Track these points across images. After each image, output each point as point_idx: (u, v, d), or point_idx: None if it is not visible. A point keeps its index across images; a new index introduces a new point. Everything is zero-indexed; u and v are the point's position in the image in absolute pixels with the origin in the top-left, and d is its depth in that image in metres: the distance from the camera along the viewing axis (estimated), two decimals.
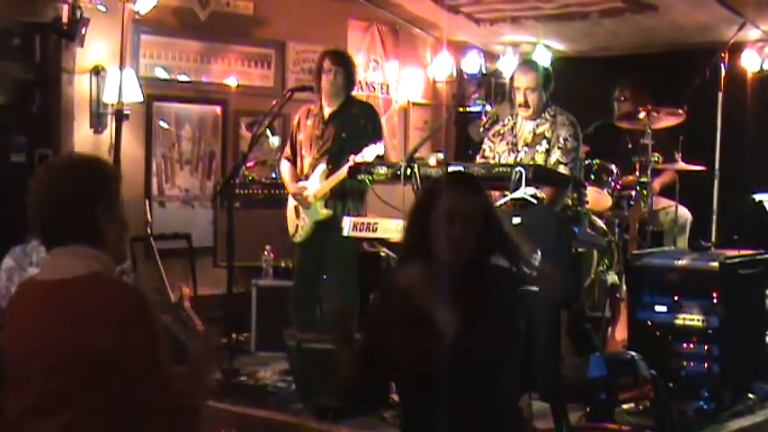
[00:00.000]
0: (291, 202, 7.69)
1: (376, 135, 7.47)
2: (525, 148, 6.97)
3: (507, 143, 7.09)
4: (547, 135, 6.97)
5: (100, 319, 3.04)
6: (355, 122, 7.57)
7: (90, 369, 3.02)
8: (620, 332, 7.14)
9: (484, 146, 7.31)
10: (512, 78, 7.35)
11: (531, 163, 6.72)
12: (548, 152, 6.86)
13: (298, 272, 7.71)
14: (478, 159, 7.26)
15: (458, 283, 3.65)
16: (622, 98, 9.15)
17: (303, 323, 7.36)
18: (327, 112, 7.60)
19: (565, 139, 6.90)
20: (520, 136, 7.06)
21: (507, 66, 10.73)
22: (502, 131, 7.21)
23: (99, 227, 3.20)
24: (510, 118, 7.23)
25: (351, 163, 7.02)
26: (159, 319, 3.22)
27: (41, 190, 3.22)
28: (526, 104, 7.01)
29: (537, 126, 7.00)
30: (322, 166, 7.50)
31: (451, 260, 3.64)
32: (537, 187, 6.42)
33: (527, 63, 7.36)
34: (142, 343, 3.07)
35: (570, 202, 6.83)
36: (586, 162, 7.63)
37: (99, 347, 3.02)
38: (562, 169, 6.77)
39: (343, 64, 7.63)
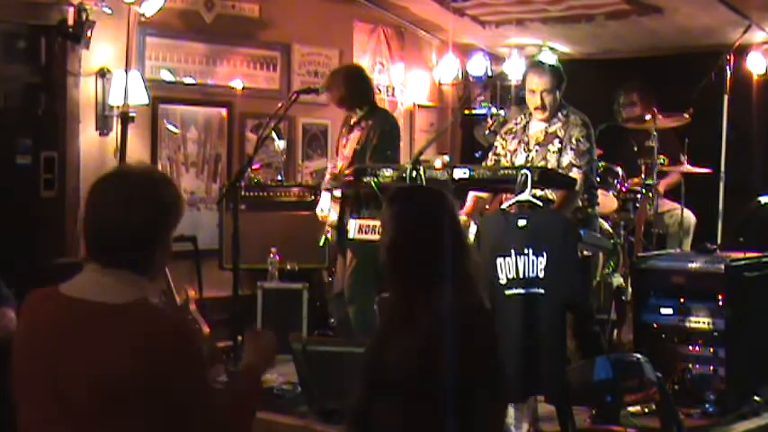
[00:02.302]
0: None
1: (381, 149, 7.57)
2: (537, 147, 6.91)
3: (519, 141, 7.04)
4: (559, 134, 6.88)
5: (151, 350, 2.88)
6: (367, 135, 7.68)
7: (135, 398, 2.88)
8: (626, 334, 7.14)
9: (496, 143, 7.23)
10: (524, 80, 7.28)
11: (539, 165, 6.71)
12: (560, 152, 6.79)
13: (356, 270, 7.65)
14: (490, 157, 7.23)
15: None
16: (630, 103, 9.16)
17: (360, 323, 7.39)
18: (352, 120, 7.76)
19: (578, 140, 6.81)
20: (532, 135, 7.00)
21: (513, 68, 10.73)
22: (514, 129, 7.12)
23: (155, 256, 3.06)
24: (522, 117, 7.13)
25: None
26: (202, 349, 3.09)
27: (113, 206, 3.01)
28: (543, 107, 6.88)
29: (549, 126, 6.94)
30: (327, 195, 7.78)
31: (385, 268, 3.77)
32: (544, 190, 6.45)
33: (539, 64, 7.21)
34: (190, 375, 2.97)
35: (581, 203, 6.82)
36: None
37: (148, 377, 2.87)
38: (575, 172, 6.68)
39: (333, 85, 7.80)
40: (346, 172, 7.18)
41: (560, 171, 6.66)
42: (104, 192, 3.07)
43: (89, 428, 2.92)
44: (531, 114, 7.03)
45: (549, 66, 7.10)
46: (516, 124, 7.15)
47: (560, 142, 6.84)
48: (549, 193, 6.63)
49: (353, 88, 7.79)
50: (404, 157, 10.47)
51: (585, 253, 6.52)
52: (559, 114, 6.93)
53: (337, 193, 7.75)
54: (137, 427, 2.91)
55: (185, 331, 3.02)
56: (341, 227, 7.54)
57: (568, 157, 6.77)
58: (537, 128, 6.99)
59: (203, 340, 7.32)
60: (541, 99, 6.88)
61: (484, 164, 7.25)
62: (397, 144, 7.92)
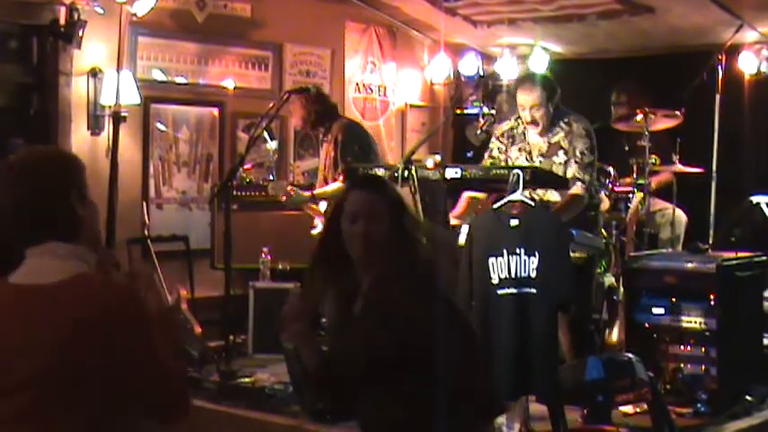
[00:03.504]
0: None
1: (342, 158, 7.88)
2: (540, 159, 6.88)
3: (520, 150, 6.99)
4: (563, 145, 6.83)
5: (95, 324, 2.93)
6: (333, 147, 8.01)
7: (86, 376, 2.92)
8: (618, 334, 7.15)
9: (491, 145, 7.18)
10: (514, 95, 7.19)
11: (528, 165, 6.71)
12: (566, 164, 6.77)
13: None
14: (486, 157, 7.21)
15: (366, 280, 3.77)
16: (619, 102, 9.17)
17: None
18: (321, 135, 8.22)
19: (582, 153, 6.78)
20: (534, 144, 6.95)
21: (505, 68, 10.74)
22: (513, 133, 7.07)
23: (76, 216, 3.10)
24: (519, 120, 7.07)
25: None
26: (150, 313, 3.10)
27: (12, 186, 3.11)
28: (534, 122, 6.87)
29: (552, 135, 6.89)
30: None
31: (359, 257, 3.75)
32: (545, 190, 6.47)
33: (528, 79, 7.15)
34: (141, 343, 2.99)
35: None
36: None
37: (96, 353, 2.91)
38: (579, 185, 6.68)
39: (299, 102, 7.95)
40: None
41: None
42: (4, 177, 3.17)
43: (39, 415, 2.94)
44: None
45: (539, 79, 7.03)
46: (513, 128, 7.09)
47: (565, 153, 6.80)
48: (550, 196, 6.65)
49: (309, 105, 7.96)
50: (395, 157, 10.52)
51: (589, 253, 6.54)
52: (561, 123, 6.88)
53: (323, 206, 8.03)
54: (91, 405, 2.95)
55: (130, 301, 3.04)
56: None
57: (572, 170, 6.74)
58: (539, 137, 6.95)
59: (195, 339, 7.32)
60: (531, 115, 6.86)
61: (486, 158, 7.24)
62: (357, 149, 7.93)
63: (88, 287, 3.03)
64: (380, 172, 6.54)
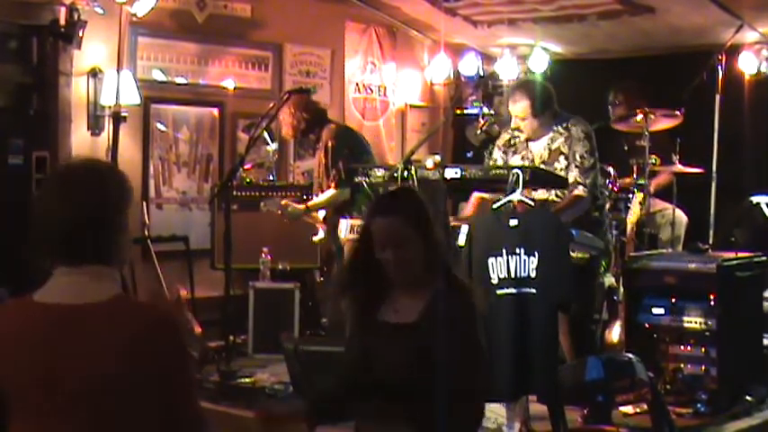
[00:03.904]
0: None
1: (333, 164, 7.87)
2: (542, 165, 6.86)
3: (523, 158, 6.97)
4: (563, 151, 6.80)
5: (134, 346, 2.84)
6: (323, 155, 8.00)
7: (124, 396, 2.85)
8: (618, 334, 7.15)
9: (495, 155, 7.16)
10: (502, 103, 7.19)
11: (528, 165, 6.71)
12: (566, 169, 6.75)
13: None
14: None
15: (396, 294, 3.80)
16: (617, 102, 9.17)
17: None
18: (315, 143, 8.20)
19: (582, 157, 6.75)
20: (536, 152, 6.93)
21: (505, 68, 10.74)
22: (514, 142, 7.05)
23: (116, 241, 3.00)
24: (519, 129, 7.05)
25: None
26: (187, 339, 3.05)
27: (59, 199, 2.94)
28: (519, 130, 6.93)
29: (551, 141, 6.86)
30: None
31: (398, 280, 3.77)
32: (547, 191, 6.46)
33: (519, 89, 7.01)
34: (177, 366, 2.93)
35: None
36: None
37: (134, 374, 2.84)
38: (581, 189, 6.66)
39: (287, 110, 7.91)
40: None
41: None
42: (48, 191, 3.03)
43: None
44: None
45: (529, 89, 6.94)
46: (516, 138, 7.06)
47: (566, 159, 6.78)
48: (552, 196, 6.64)
49: (297, 114, 7.98)
50: (395, 157, 10.53)
51: (592, 253, 6.54)
52: (559, 128, 6.85)
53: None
54: (128, 425, 2.88)
55: (170, 325, 2.96)
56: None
57: (573, 175, 6.71)
58: (540, 145, 6.92)
59: (195, 339, 7.32)
60: (517, 125, 6.87)
61: None
62: (347, 153, 7.90)
63: (130, 308, 2.97)
64: (380, 172, 6.55)
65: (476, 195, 6.99)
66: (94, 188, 2.98)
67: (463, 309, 3.71)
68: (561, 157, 6.80)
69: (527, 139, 6.96)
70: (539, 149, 6.91)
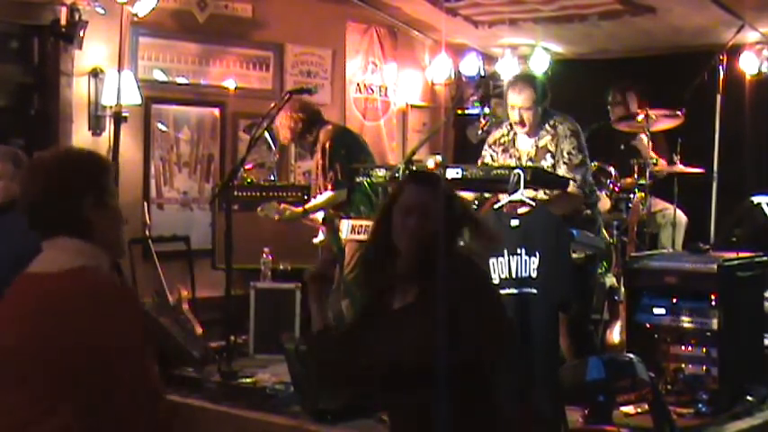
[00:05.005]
0: None
1: (330, 166, 7.85)
2: (530, 163, 6.85)
3: (511, 157, 6.97)
4: (550, 148, 6.78)
5: (83, 313, 2.98)
6: (320, 157, 7.98)
7: (76, 365, 2.94)
8: (619, 334, 7.14)
9: (484, 152, 7.12)
10: (505, 94, 7.15)
11: (530, 165, 6.70)
12: (554, 167, 6.73)
13: None
14: (479, 164, 7.19)
15: (416, 274, 3.80)
16: (615, 101, 9.16)
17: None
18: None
19: (569, 153, 6.73)
20: (523, 151, 6.92)
21: (506, 68, 10.74)
22: (504, 141, 7.03)
23: (88, 219, 3.15)
24: (510, 127, 7.02)
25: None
26: (143, 311, 3.19)
27: (29, 181, 3.22)
28: (522, 122, 6.83)
29: (538, 139, 6.84)
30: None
31: (408, 251, 3.78)
32: (536, 189, 6.44)
33: (522, 80, 7.03)
34: (127, 337, 3.01)
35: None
36: None
37: (83, 343, 2.95)
38: (572, 186, 6.64)
39: (285, 114, 7.88)
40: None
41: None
42: (25, 170, 3.41)
43: (26, 396, 2.98)
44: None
45: (531, 80, 6.96)
46: (504, 135, 7.05)
47: (552, 157, 6.75)
48: (541, 194, 6.64)
49: (294, 124, 7.99)
50: (396, 158, 10.53)
51: (588, 253, 6.53)
52: (546, 126, 6.83)
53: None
54: (86, 396, 2.96)
55: (119, 295, 3.10)
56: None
57: (561, 172, 6.69)
58: (527, 143, 6.90)
59: (197, 340, 7.32)
60: (520, 115, 6.82)
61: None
62: (344, 153, 7.86)
63: (83, 279, 3.08)
64: (381, 172, 6.55)
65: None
66: (46, 171, 3.21)
67: (471, 279, 3.78)
68: (548, 155, 6.78)
69: (515, 137, 6.95)
70: (526, 147, 6.90)
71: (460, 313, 3.58)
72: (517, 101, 6.81)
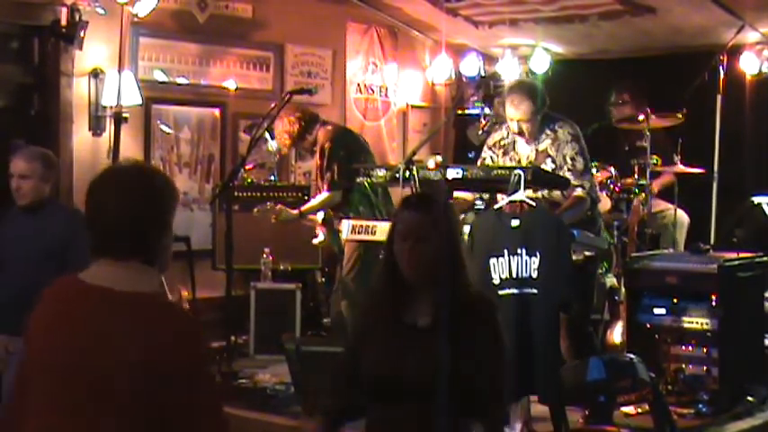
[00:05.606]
0: None
1: (327, 168, 7.80)
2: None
3: (511, 160, 6.94)
4: (550, 153, 6.74)
5: (160, 338, 2.87)
6: (319, 158, 7.95)
7: (138, 384, 2.84)
8: (619, 335, 7.15)
9: (484, 154, 7.09)
10: (503, 103, 7.08)
11: (530, 165, 6.69)
12: (554, 172, 6.70)
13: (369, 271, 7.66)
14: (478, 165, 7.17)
15: (418, 299, 3.83)
16: (621, 102, 9.14)
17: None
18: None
19: (572, 159, 6.68)
20: (523, 154, 6.87)
21: (506, 68, 10.74)
22: (503, 143, 6.99)
23: (157, 246, 3.07)
24: (509, 130, 6.96)
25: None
26: (206, 340, 3.11)
27: (110, 196, 3.04)
28: (521, 133, 6.81)
29: (538, 143, 6.79)
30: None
31: (409, 276, 3.82)
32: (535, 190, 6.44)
33: (518, 91, 6.85)
34: (194, 376, 2.93)
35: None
36: None
37: (151, 364, 2.84)
38: (580, 190, 6.61)
39: (284, 118, 7.84)
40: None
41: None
42: (101, 186, 3.11)
43: (89, 416, 2.89)
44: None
45: (528, 90, 6.84)
46: (504, 138, 7.01)
47: (553, 162, 6.71)
48: (557, 196, 6.64)
49: (296, 130, 7.94)
50: (397, 158, 10.53)
51: (588, 253, 6.53)
52: (547, 130, 6.78)
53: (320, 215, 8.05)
54: (132, 418, 2.87)
55: (196, 331, 3.00)
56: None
57: (568, 177, 6.64)
58: (527, 147, 6.85)
59: None
60: (519, 127, 6.79)
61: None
62: (343, 154, 7.79)
63: (162, 305, 3.02)
64: (382, 172, 6.54)
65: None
66: (142, 188, 3.08)
67: (485, 314, 3.82)
68: (548, 160, 6.74)
69: (515, 140, 6.93)
70: (526, 151, 6.87)
71: (473, 348, 3.67)
72: (515, 114, 6.75)
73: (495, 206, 5.79)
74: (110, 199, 3.05)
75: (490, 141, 7.15)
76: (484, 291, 4.02)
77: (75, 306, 3.00)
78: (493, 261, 5.49)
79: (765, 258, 6.84)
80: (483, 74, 11.07)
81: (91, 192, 3.10)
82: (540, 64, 10.40)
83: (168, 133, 9.14)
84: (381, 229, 6.50)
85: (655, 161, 8.11)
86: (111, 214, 3.03)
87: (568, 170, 6.65)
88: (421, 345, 3.70)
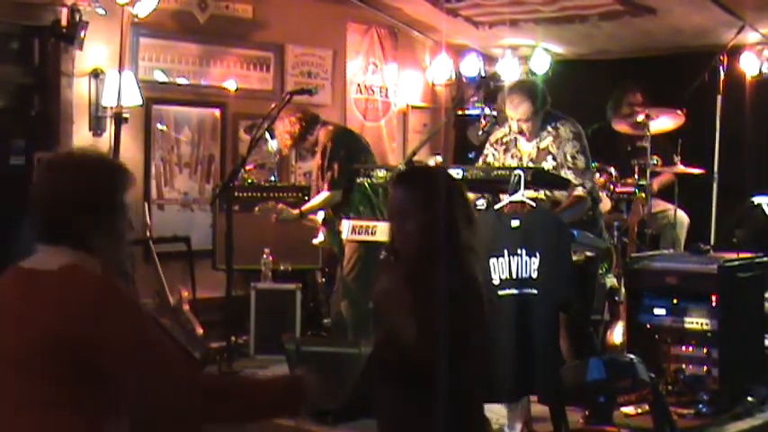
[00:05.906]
0: None
1: (328, 168, 7.79)
2: (530, 164, 6.82)
3: (512, 157, 6.93)
4: (551, 150, 6.75)
5: (75, 308, 2.95)
6: (320, 157, 7.95)
7: (63, 357, 2.93)
8: (619, 335, 7.14)
9: (486, 152, 7.11)
10: (504, 101, 7.08)
11: (530, 165, 6.69)
12: (555, 170, 6.69)
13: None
14: (480, 163, 7.16)
15: (411, 276, 3.76)
16: (636, 103, 9.06)
17: (354, 317, 7.50)
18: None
19: (573, 157, 6.69)
20: (524, 151, 6.88)
21: (506, 69, 10.74)
22: (506, 140, 7.00)
23: (92, 232, 3.11)
24: (511, 127, 7.00)
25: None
26: (140, 305, 3.16)
27: (39, 186, 3.16)
28: (521, 132, 6.83)
29: (540, 141, 6.80)
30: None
31: (401, 252, 3.82)
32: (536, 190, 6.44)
33: (518, 91, 6.85)
34: (125, 331, 2.99)
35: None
36: None
37: (73, 336, 2.92)
38: (581, 190, 6.61)
39: (285, 119, 7.84)
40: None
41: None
42: (37, 175, 3.29)
43: (17, 385, 2.98)
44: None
45: (528, 90, 6.84)
46: (506, 135, 7.01)
47: (554, 159, 6.71)
48: (542, 195, 6.63)
49: (297, 132, 7.92)
50: (397, 158, 10.53)
51: (588, 254, 6.53)
52: (548, 128, 6.79)
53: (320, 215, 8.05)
54: (64, 385, 2.95)
55: (114, 290, 3.05)
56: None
57: (569, 177, 6.64)
58: (528, 145, 6.87)
59: (197, 340, 7.32)
60: (519, 127, 6.79)
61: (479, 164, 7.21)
62: (343, 154, 7.78)
63: (77, 274, 3.04)
64: (381, 173, 6.55)
65: None
66: (70, 174, 3.15)
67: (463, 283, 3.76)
68: (549, 157, 6.75)
69: (517, 137, 6.93)
70: (528, 148, 6.87)
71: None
72: (515, 114, 6.77)
73: (496, 206, 5.79)
74: (41, 186, 3.16)
75: (493, 138, 7.17)
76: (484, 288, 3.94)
77: (6, 290, 3.11)
78: (493, 261, 5.49)
79: (765, 259, 6.83)
80: (483, 74, 11.07)
81: (30, 182, 3.26)
82: (541, 64, 10.40)
83: (162, 130, 9.14)
84: (381, 230, 6.51)
85: (655, 161, 8.11)
86: (42, 201, 3.13)
87: (569, 168, 6.66)
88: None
